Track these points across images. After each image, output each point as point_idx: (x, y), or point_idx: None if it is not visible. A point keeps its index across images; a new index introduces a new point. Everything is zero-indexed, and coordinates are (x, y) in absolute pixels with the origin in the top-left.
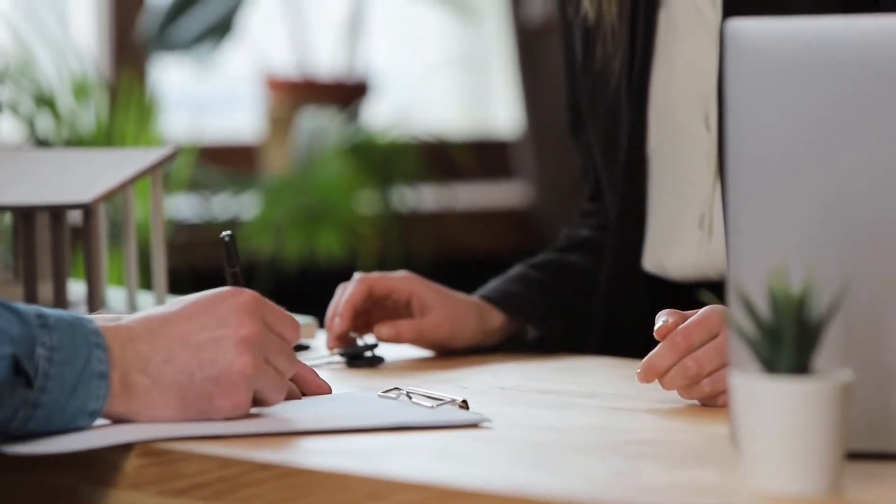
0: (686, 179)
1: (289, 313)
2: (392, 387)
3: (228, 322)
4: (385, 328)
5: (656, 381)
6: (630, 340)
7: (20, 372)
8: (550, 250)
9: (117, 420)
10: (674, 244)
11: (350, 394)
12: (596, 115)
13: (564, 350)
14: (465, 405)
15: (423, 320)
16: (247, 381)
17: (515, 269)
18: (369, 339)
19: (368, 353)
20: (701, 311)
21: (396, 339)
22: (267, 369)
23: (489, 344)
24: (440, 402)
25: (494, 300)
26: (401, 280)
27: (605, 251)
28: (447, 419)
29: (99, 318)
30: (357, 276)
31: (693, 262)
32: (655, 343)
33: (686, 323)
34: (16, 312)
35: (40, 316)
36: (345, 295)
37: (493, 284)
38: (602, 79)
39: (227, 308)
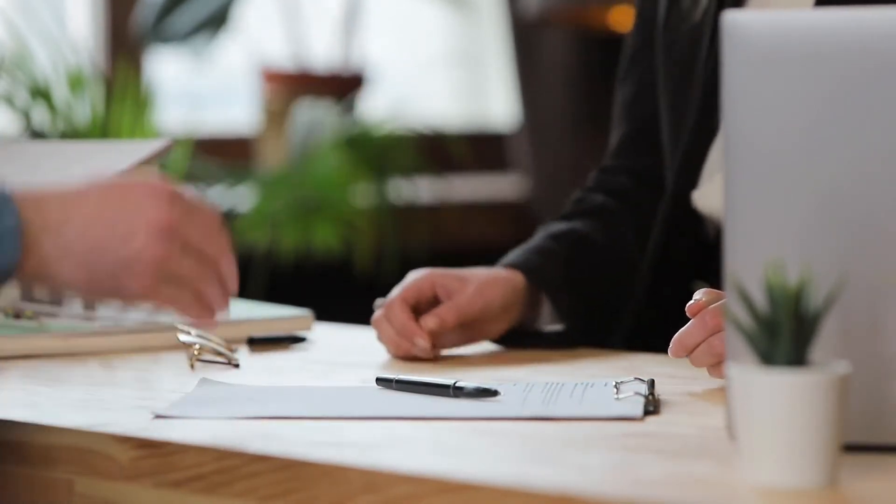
0: None
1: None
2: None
3: (145, 206)
4: (429, 319)
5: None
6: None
7: None
8: (569, 218)
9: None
10: None
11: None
12: (670, 54)
13: (585, 336)
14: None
15: (455, 300)
16: (156, 267)
17: (537, 240)
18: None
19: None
20: None
21: (442, 325)
22: (183, 258)
23: (518, 314)
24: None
25: (515, 265)
26: (419, 279)
27: (657, 191)
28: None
29: (7, 183)
30: (386, 300)
31: None
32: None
33: (719, 302)
34: None
35: None
36: (400, 315)
37: (514, 254)
38: (683, 21)
39: (143, 191)
